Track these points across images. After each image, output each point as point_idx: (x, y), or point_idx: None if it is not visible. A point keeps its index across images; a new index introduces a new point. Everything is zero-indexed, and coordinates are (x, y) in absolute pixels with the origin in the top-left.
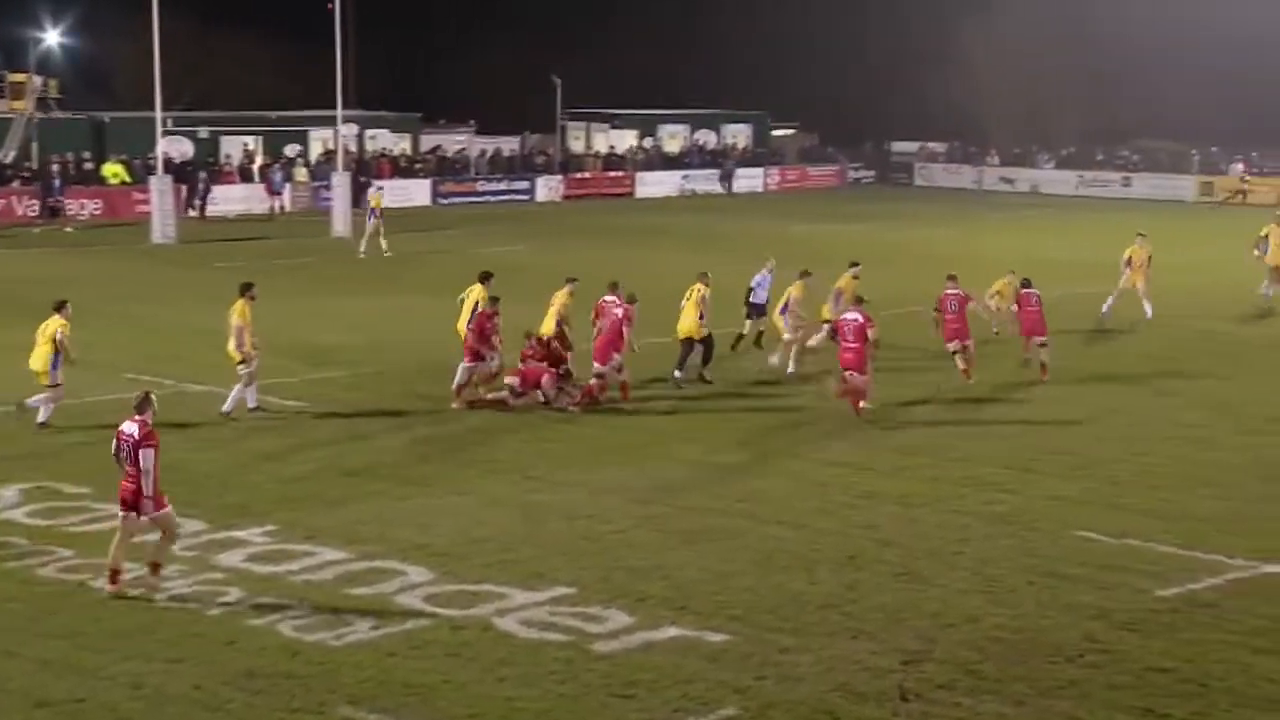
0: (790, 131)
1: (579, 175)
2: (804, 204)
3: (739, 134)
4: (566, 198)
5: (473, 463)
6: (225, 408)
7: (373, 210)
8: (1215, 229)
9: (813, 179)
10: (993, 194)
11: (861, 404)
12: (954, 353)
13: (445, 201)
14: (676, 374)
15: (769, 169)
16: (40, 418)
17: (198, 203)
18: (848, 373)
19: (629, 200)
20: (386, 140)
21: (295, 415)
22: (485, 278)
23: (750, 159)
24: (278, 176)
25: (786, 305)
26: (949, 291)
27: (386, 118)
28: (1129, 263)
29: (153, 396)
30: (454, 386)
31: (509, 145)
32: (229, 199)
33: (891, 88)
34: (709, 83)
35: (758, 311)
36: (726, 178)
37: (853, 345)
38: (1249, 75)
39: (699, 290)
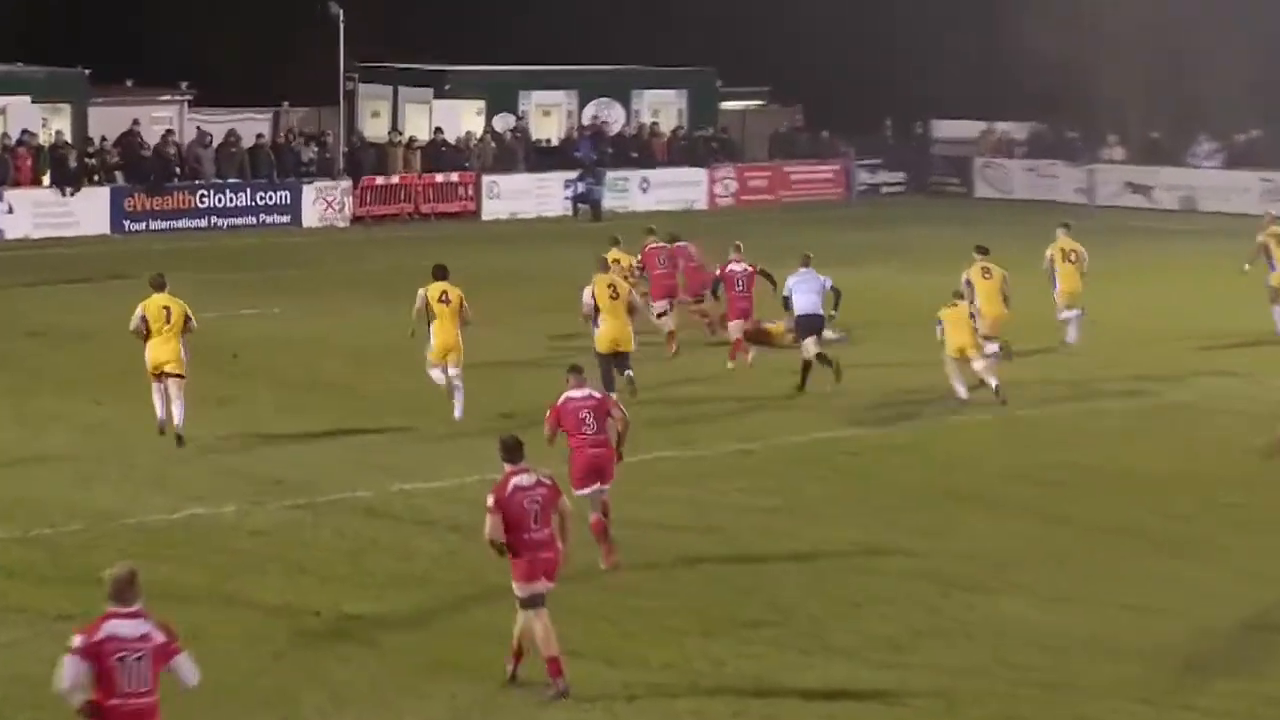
0: (755, 104)
1: (380, 180)
2: (778, 231)
3: (665, 106)
4: (360, 219)
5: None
6: None
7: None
8: None
9: (796, 186)
10: (1115, 210)
11: None
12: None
13: (136, 227)
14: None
15: (718, 168)
16: (180, 420)
17: None
18: None
19: (472, 224)
20: (25, 116)
21: None
22: (442, 273)
23: (681, 150)
24: None
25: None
26: (734, 267)
27: (28, 77)
28: (1051, 267)
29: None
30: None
31: (254, 126)
32: None
33: (931, 35)
34: (612, 20)
35: (807, 327)
36: (588, 195)
37: None
38: None
39: (620, 284)
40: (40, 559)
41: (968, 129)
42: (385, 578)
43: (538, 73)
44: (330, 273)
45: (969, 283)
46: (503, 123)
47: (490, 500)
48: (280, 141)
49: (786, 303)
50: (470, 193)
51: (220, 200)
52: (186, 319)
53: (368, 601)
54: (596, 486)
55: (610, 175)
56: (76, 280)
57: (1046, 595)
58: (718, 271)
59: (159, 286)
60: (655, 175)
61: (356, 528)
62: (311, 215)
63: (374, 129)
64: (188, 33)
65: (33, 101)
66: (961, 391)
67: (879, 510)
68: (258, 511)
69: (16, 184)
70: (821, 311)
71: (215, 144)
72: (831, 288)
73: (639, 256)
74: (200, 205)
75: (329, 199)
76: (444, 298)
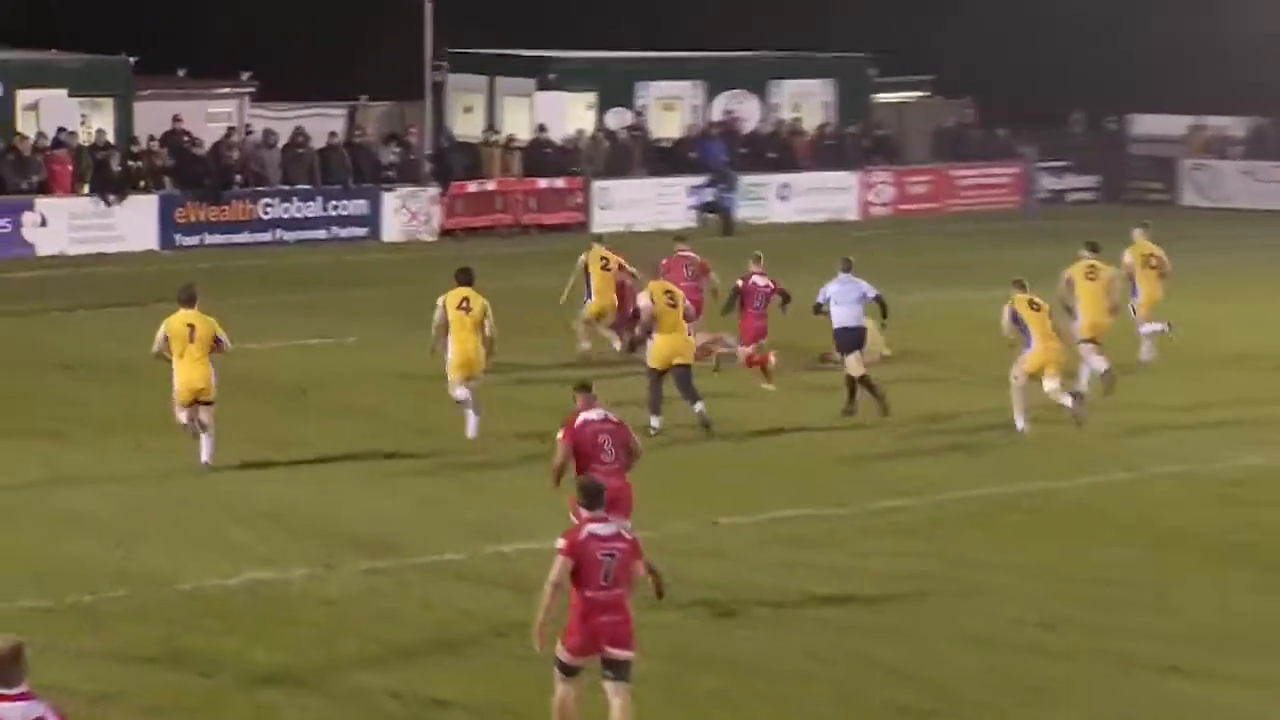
0: (916, 96)
1: (473, 187)
2: (943, 247)
3: (809, 99)
4: (449, 232)
5: None
6: None
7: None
8: None
9: (964, 193)
10: None
11: None
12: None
13: (188, 241)
14: (655, 423)
15: (872, 172)
16: (209, 456)
17: None
18: None
19: (580, 238)
20: (62, 112)
21: None
22: (466, 278)
23: (828, 150)
24: None
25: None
26: (757, 280)
27: (65, 66)
28: (1130, 273)
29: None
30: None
31: (326, 123)
32: None
33: (1129, 14)
34: None
35: (847, 341)
36: (717, 204)
37: None
38: None
39: (676, 291)
40: (77, 630)
41: (1173, 125)
42: (478, 656)
43: (659, 60)
44: (414, 295)
45: (1070, 281)
46: (617, 119)
47: (562, 543)
48: (356, 141)
49: (818, 310)
50: (578, 201)
51: (286, 210)
52: (216, 341)
53: (458, 684)
54: None
55: (744, 181)
56: (119, 304)
57: None
58: (739, 283)
59: (186, 301)
60: (797, 180)
61: (444, 596)
62: (393, 227)
63: (466, 126)
64: (249, 14)
65: (70, 95)
66: (1022, 423)
67: (1059, 579)
68: (331, 576)
69: (51, 192)
70: (863, 324)
71: (281, 144)
72: (875, 298)
73: (662, 263)
74: (263, 216)
75: (413, 209)
76: (464, 305)
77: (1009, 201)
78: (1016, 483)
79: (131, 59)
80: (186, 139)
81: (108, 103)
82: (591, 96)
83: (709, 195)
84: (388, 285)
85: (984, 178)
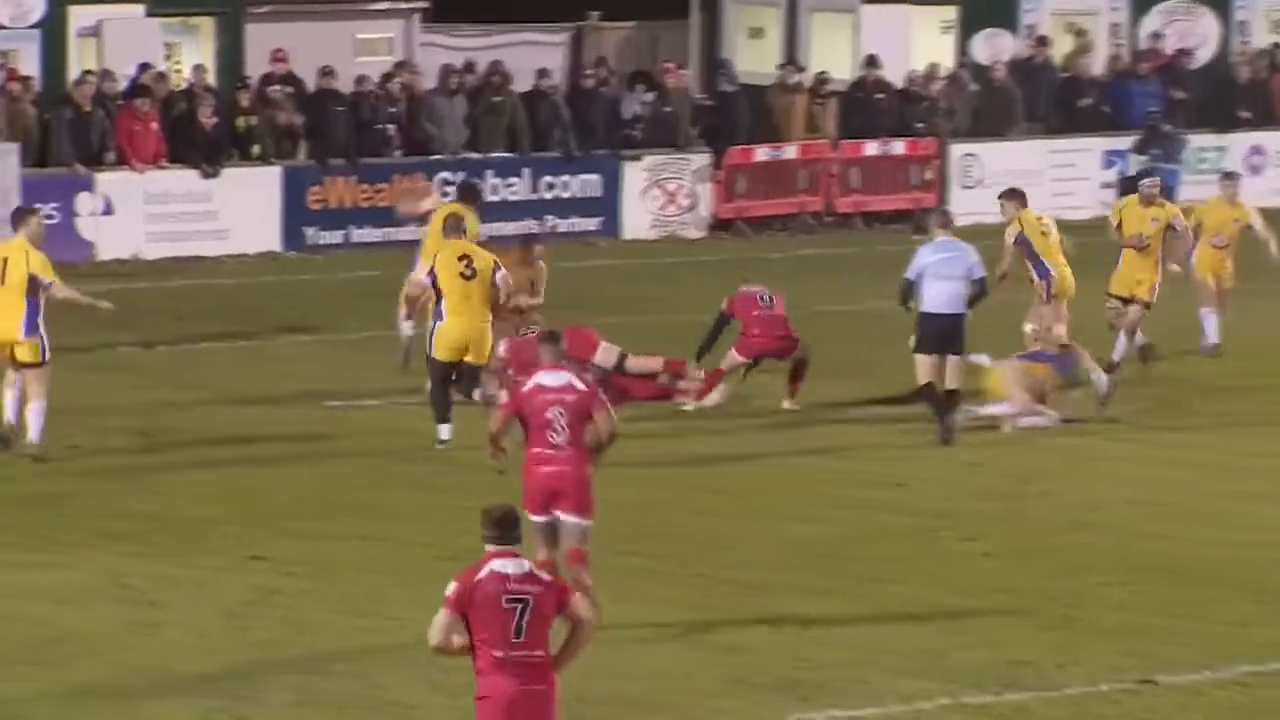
0: None
1: (764, 154)
2: None
3: None
4: (725, 223)
5: None
6: None
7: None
8: None
9: None
10: None
11: None
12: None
13: (325, 237)
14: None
15: None
16: (34, 433)
17: None
18: None
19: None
20: (138, 42)
21: None
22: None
23: None
24: None
25: None
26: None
27: None
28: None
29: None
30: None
31: (536, 56)
32: None
33: None
34: None
35: (937, 334)
36: (1151, 178)
37: None
38: None
39: (480, 256)
40: None
41: None
42: None
43: None
44: (670, 324)
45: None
46: (992, 47)
47: (451, 589)
48: (584, 85)
49: (908, 290)
50: (928, 175)
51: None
52: (32, 281)
53: None
54: (558, 515)
55: (1190, 144)
56: (219, 337)
57: None
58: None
59: (11, 224)
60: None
61: None
62: (638, 217)
63: (753, 59)
64: None
65: (149, 14)
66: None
67: None
68: None
69: (123, 161)
70: (965, 311)
71: (467, 89)
72: (978, 279)
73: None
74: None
75: (670, 188)
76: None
77: None
78: None
79: None
80: (333, 83)
81: (205, 25)
82: (950, 12)
83: (1138, 164)
84: (631, 310)
85: None
